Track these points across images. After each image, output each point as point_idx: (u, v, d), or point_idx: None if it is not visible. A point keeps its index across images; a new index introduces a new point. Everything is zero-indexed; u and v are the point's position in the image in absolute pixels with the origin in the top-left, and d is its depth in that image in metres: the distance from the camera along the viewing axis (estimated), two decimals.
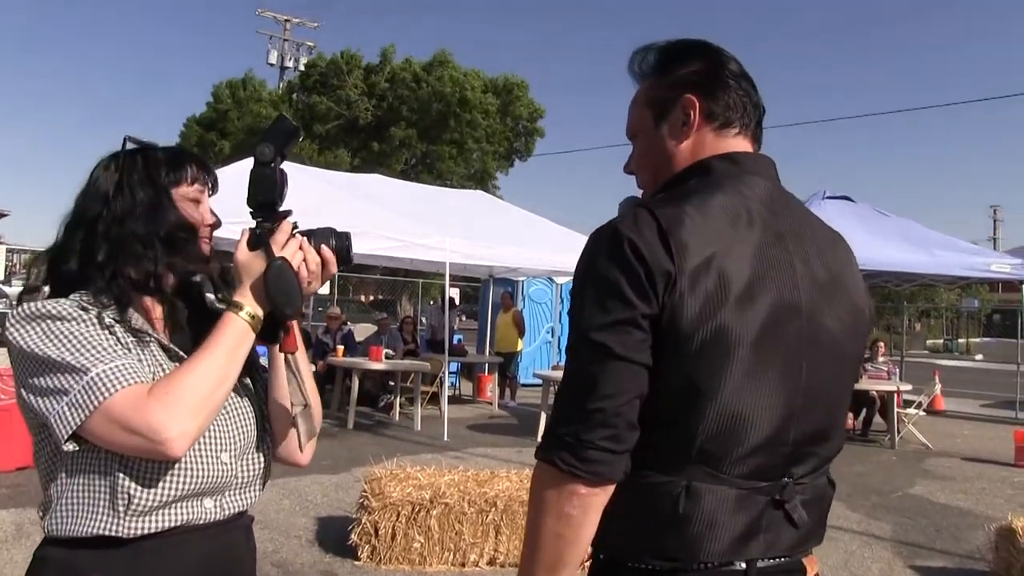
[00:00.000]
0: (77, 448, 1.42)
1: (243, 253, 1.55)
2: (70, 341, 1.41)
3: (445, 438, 9.94)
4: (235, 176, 10.41)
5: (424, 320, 19.34)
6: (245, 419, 1.62)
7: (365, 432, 10.29)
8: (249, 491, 1.64)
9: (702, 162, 1.47)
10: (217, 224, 1.66)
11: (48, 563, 1.49)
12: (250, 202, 1.56)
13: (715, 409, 1.29)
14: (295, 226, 1.59)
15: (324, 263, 1.59)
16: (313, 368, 10.13)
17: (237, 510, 1.61)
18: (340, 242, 1.61)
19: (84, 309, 1.46)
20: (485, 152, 29.35)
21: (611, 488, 1.30)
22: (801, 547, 1.43)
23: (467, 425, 11.30)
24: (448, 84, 27.57)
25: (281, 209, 1.58)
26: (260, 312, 1.53)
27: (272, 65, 37.22)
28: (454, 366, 14.03)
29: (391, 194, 12.50)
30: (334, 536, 5.51)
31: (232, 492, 1.59)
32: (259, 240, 1.54)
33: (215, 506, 1.56)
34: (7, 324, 1.46)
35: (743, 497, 1.34)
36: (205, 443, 1.52)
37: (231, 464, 1.57)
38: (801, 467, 1.42)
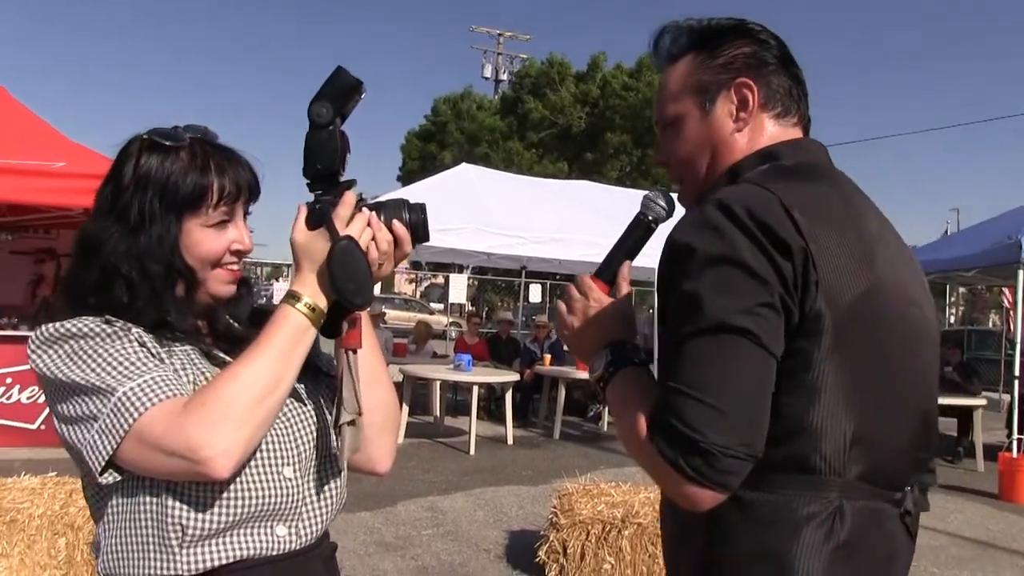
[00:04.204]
0: (119, 479, 1.24)
1: (301, 233, 1.30)
2: (95, 360, 1.23)
3: None
4: (444, 184, 10.41)
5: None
6: (308, 427, 1.39)
7: (571, 443, 10.05)
8: (325, 512, 1.42)
9: (765, 150, 1.33)
10: (246, 250, 1.39)
11: None
12: (307, 172, 1.32)
13: (860, 408, 1.14)
14: (361, 198, 1.33)
15: (397, 241, 1.34)
16: (519, 377, 10.23)
17: (314, 536, 1.39)
18: (415, 215, 1.35)
19: (108, 323, 1.27)
20: None
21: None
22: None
23: None
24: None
25: (345, 179, 1.33)
26: (323, 303, 1.29)
27: (487, 78, 38.33)
28: None
29: (599, 200, 12.21)
30: (524, 552, 5.25)
31: (306, 515, 1.38)
32: (320, 217, 1.29)
33: (289, 533, 1.35)
34: (28, 352, 1.28)
35: (884, 513, 1.19)
36: (263, 457, 1.31)
37: (297, 480, 1.36)
38: (919, 474, 1.26)
